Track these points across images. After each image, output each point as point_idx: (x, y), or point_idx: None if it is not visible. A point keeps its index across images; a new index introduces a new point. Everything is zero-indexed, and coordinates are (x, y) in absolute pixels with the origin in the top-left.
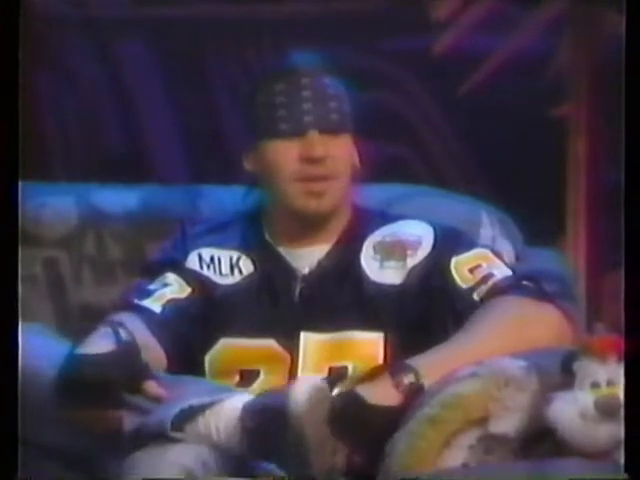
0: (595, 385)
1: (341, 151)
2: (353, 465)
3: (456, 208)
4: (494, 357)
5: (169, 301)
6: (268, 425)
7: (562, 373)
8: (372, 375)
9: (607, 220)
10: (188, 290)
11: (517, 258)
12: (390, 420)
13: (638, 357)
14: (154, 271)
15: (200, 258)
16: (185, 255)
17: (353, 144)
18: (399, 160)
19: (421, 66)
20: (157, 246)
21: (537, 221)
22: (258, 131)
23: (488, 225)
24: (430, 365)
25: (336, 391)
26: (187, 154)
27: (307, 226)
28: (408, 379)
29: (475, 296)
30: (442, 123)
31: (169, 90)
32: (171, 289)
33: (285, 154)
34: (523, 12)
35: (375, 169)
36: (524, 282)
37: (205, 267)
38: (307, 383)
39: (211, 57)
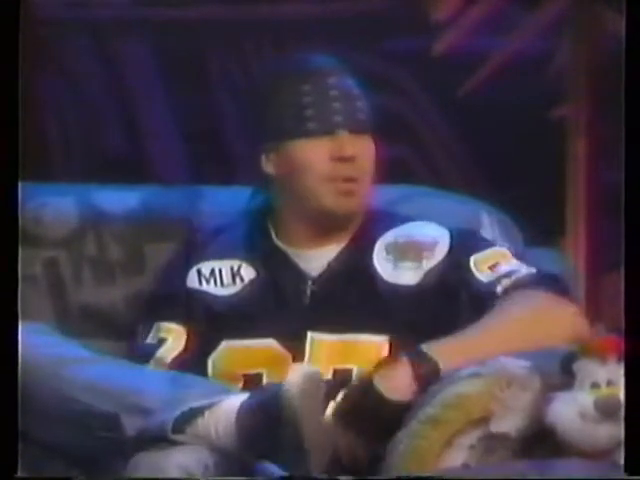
0: (595, 385)
1: (366, 151)
2: (355, 462)
3: (456, 209)
4: (513, 348)
5: (173, 361)
6: (264, 420)
7: (562, 373)
8: (388, 363)
9: (607, 221)
10: (184, 338)
11: (517, 259)
12: (404, 414)
13: (638, 357)
14: (154, 309)
15: (199, 273)
16: (185, 279)
17: (374, 145)
18: (399, 161)
19: (421, 67)
20: (157, 247)
21: (537, 222)
22: (282, 131)
23: (488, 226)
24: (448, 353)
25: (353, 382)
26: (188, 155)
27: (325, 227)
28: (426, 370)
29: (498, 288)
30: (442, 124)
31: (169, 91)
32: (169, 346)
33: (315, 153)
34: (523, 13)
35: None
36: (546, 278)
37: (205, 282)
38: (299, 373)
39: (212, 58)
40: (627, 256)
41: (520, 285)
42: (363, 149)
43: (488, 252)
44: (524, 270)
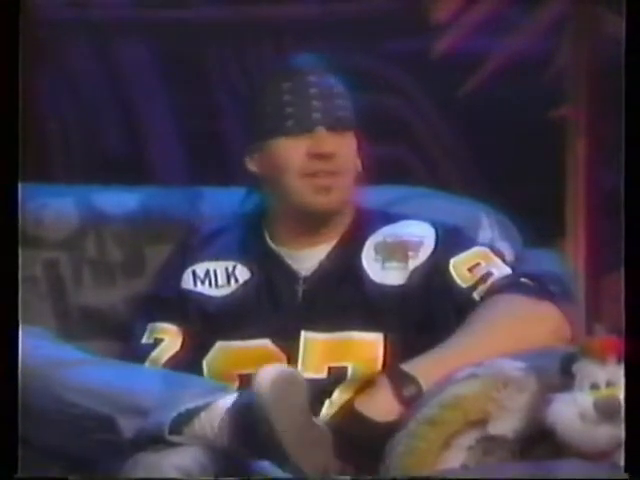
0: (594, 386)
1: (347, 148)
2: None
3: (455, 210)
4: (493, 357)
5: (168, 361)
6: (246, 422)
7: (561, 374)
8: (370, 384)
9: (606, 221)
10: (180, 339)
11: (516, 259)
12: (392, 433)
13: (638, 358)
14: (149, 309)
15: (194, 275)
16: (180, 280)
17: (356, 142)
18: (398, 162)
19: (421, 68)
20: (157, 248)
21: (536, 222)
22: (264, 130)
23: (487, 226)
24: (429, 370)
25: (335, 407)
26: (187, 156)
27: (311, 225)
28: (409, 391)
29: (475, 295)
30: (442, 124)
31: (169, 92)
32: (165, 347)
33: (293, 151)
34: (523, 14)
35: (374, 171)
36: (523, 280)
37: (199, 283)
38: (270, 373)
39: (211, 59)
40: (627, 257)
41: (497, 290)
42: (342, 146)
43: (468, 253)
44: (503, 272)
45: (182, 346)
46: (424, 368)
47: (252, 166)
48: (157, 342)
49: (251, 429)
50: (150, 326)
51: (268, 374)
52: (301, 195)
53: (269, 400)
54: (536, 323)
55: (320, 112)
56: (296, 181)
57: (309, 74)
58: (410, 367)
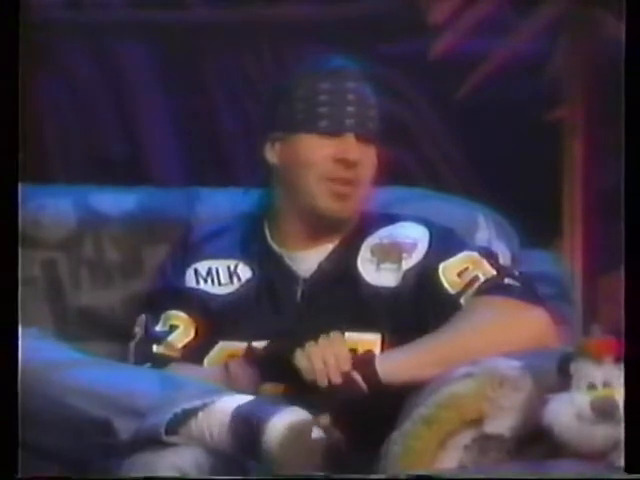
0: (591, 386)
1: (370, 159)
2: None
3: (453, 211)
4: (471, 358)
5: (184, 347)
6: (249, 435)
7: (559, 374)
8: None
9: (604, 222)
10: (193, 328)
11: (513, 260)
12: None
13: (637, 359)
14: (156, 302)
15: (196, 273)
16: (183, 277)
17: (377, 154)
18: (396, 163)
19: (418, 70)
20: (155, 249)
21: (534, 223)
22: (293, 123)
23: (484, 227)
24: (398, 366)
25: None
26: (185, 157)
27: (316, 228)
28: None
29: (462, 301)
30: (439, 126)
31: (167, 93)
32: (181, 333)
33: (319, 151)
34: (520, 15)
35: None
36: (507, 281)
37: (202, 281)
38: (284, 420)
39: (209, 60)
40: (627, 258)
41: (481, 293)
42: (366, 156)
43: (457, 258)
44: (485, 276)
45: (196, 335)
46: (394, 364)
47: (270, 155)
48: (172, 329)
49: (248, 437)
50: (164, 314)
51: (279, 427)
52: (317, 198)
53: (279, 453)
54: (517, 325)
55: (353, 119)
56: (315, 182)
57: (348, 78)
58: (382, 359)
